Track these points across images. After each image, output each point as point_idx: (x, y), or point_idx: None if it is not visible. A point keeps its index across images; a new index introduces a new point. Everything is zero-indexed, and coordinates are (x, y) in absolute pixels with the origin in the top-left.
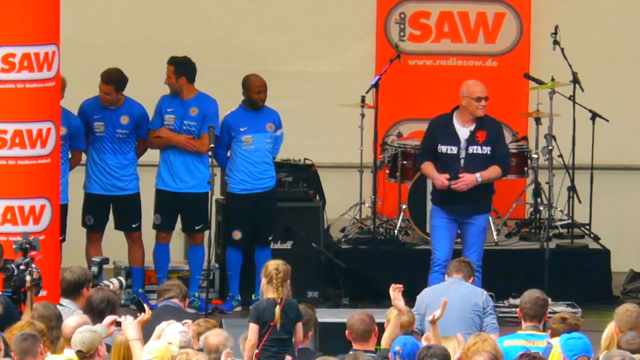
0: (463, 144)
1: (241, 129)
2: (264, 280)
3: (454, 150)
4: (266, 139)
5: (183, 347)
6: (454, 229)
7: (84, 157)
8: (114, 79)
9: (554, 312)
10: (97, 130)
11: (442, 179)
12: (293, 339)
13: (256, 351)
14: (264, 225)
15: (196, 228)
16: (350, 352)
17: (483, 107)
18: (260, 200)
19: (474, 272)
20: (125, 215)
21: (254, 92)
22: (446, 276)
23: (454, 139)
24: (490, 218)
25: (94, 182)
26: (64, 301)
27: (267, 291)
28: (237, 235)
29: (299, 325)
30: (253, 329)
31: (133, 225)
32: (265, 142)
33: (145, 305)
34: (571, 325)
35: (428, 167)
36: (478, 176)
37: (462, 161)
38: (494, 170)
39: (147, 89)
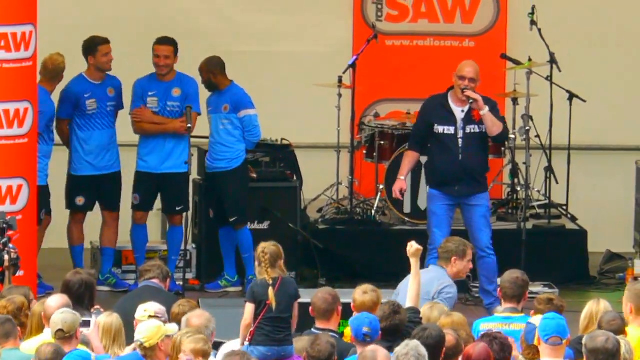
0: (460, 123)
1: (208, 109)
2: (256, 263)
3: (451, 130)
4: (221, 120)
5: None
6: (453, 212)
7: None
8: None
9: (532, 293)
10: (89, 108)
11: (397, 188)
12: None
13: (252, 329)
14: (226, 205)
15: (177, 209)
16: (312, 330)
17: (466, 87)
18: (218, 181)
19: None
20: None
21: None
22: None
23: (450, 119)
24: None
25: (85, 162)
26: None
27: (260, 273)
28: (210, 214)
29: (296, 305)
30: (249, 308)
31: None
32: (220, 123)
33: (93, 317)
34: (557, 306)
35: (407, 160)
36: (487, 108)
37: (460, 141)
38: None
39: (124, 69)
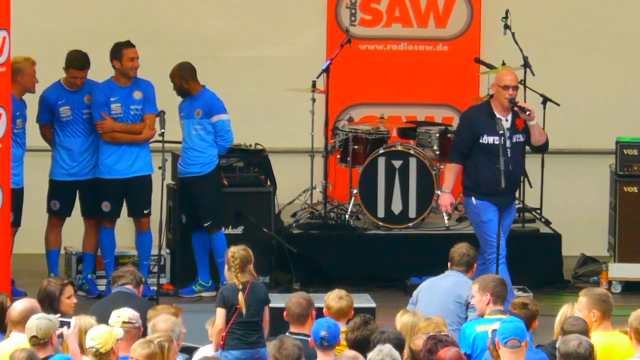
0: (507, 133)
1: (180, 114)
2: (226, 267)
3: (500, 140)
4: (194, 126)
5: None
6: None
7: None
8: (87, 64)
9: None
10: (63, 115)
11: (447, 204)
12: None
13: (223, 334)
14: (200, 210)
15: (145, 212)
16: (287, 334)
17: (512, 97)
18: (191, 186)
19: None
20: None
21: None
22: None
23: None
24: None
25: (61, 167)
26: None
27: (229, 277)
28: (183, 219)
29: (266, 309)
30: (220, 313)
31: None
32: (192, 128)
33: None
34: (532, 310)
35: (450, 173)
36: (536, 118)
37: (509, 151)
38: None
39: (97, 74)
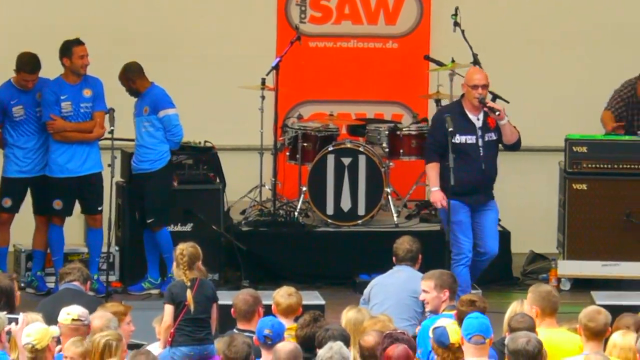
0: (479, 132)
1: (134, 112)
2: (174, 264)
3: (473, 139)
4: (143, 123)
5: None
6: (471, 220)
7: None
8: (38, 66)
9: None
10: (16, 115)
11: (441, 200)
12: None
13: (171, 331)
14: (145, 206)
15: (98, 209)
16: (234, 331)
17: (482, 97)
18: (141, 183)
19: (419, 257)
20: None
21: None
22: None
23: (471, 128)
24: (390, 199)
25: (15, 164)
26: None
27: (177, 274)
28: (137, 215)
29: (215, 306)
30: (168, 310)
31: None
32: (142, 126)
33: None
34: (479, 307)
35: (433, 172)
36: (507, 118)
37: (481, 150)
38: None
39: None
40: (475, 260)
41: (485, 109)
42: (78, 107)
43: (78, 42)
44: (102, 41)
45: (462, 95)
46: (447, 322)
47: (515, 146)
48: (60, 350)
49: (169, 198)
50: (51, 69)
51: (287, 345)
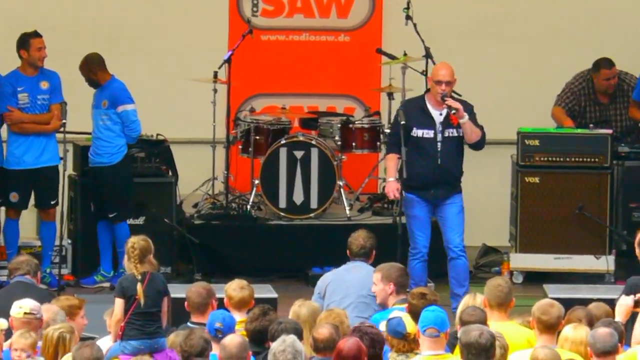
0: (439, 127)
1: (92, 104)
2: (125, 257)
3: (430, 134)
4: (101, 116)
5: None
6: (432, 214)
7: None
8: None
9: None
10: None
11: (393, 191)
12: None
13: (122, 325)
14: (104, 200)
15: (52, 202)
16: (188, 324)
17: (445, 94)
18: (99, 176)
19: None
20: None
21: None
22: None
23: (429, 123)
24: (343, 192)
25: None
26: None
27: (128, 268)
28: (92, 207)
29: (166, 299)
30: (119, 303)
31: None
32: (100, 119)
33: None
34: (430, 300)
35: (390, 162)
36: (466, 116)
37: (439, 145)
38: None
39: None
40: (451, 259)
41: (444, 105)
42: (35, 99)
43: (35, 35)
44: (57, 34)
45: (428, 89)
46: (402, 314)
47: (478, 145)
48: (10, 345)
49: (131, 192)
50: (11, 62)
51: (235, 338)
